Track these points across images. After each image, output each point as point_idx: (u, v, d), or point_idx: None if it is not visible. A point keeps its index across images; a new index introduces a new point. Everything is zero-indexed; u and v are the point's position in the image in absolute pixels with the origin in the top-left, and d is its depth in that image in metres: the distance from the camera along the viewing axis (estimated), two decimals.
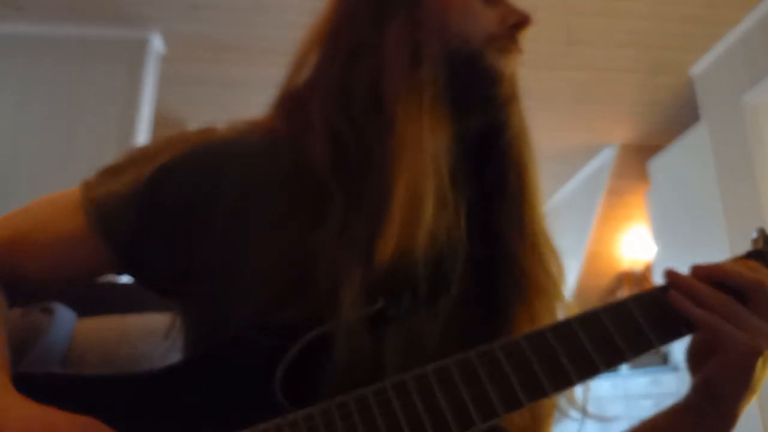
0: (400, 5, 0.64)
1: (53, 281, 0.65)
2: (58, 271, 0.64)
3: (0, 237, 0.62)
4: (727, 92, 3.42)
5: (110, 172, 0.64)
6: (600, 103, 4.06)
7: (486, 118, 0.65)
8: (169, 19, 3.20)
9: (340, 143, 0.60)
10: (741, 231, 3.22)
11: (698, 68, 3.62)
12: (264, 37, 3.30)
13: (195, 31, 3.29)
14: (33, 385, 0.54)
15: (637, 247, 4.87)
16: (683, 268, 0.57)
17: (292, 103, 0.68)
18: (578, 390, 0.59)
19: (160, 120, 3.65)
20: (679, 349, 3.88)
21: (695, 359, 0.56)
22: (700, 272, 0.55)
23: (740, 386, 0.52)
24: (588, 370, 0.51)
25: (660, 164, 4.19)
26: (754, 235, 0.60)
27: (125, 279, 0.67)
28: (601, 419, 0.67)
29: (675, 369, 3.78)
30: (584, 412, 0.60)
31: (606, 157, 4.76)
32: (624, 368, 4.37)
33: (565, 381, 0.50)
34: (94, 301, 0.95)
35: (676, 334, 0.54)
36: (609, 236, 4.97)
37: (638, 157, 4.57)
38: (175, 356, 0.69)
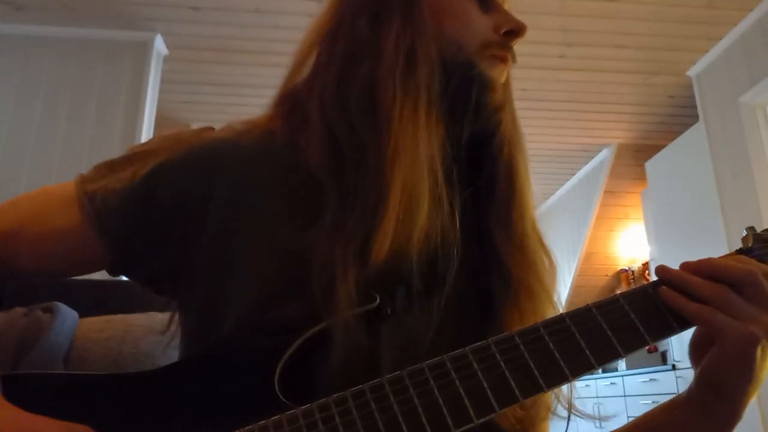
0: (397, 9, 0.65)
1: (44, 273, 0.65)
2: (50, 264, 0.64)
3: None
4: (726, 93, 3.42)
5: (106, 168, 0.65)
6: (598, 104, 4.06)
7: (478, 124, 0.66)
8: (171, 20, 3.20)
9: (336, 142, 0.61)
10: (738, 231, 3.22)
11: (697, 69, 3.63)
12: (264, 38, 3.30)
13: (196, 32, 3.30)
14: (28, 385, 0.53)
15: (634, 246, 4.87)
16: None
17: (291, 102, 0.68)
18: (571, 389, 0.60)
19: (161, 121, 3.66)
20: (677, 348, 3.88)
21: (696, 352, 0.55)
22: (690, 267, 0.55)
23: (741, 377, 0.51)
24: (582, 366, 0.51)
25: (657, 164, 4.20)
26: (744, 233, 0.61)
27: (123, 277, 0.68)
28: (594, 418, 0.67)
29: (673, 368, 3.78)
30: (577, 411, 0.60)
31: (604, 157, 4.77)
32: (622, 367, 4.38)
33: (559, 377, 0.50)
34: (96, 300, 0.96)
35: (669, 330, 0.53)
36: (606, 236, 4.98)
37: (636, 157, 4.58)
38: (175, 355, 0.70)
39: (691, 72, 3.67)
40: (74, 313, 0.84)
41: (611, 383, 4.40)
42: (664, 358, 4.27)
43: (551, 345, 0.51)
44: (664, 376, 3.85)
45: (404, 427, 0.47)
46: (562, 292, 4.99)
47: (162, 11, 3.13)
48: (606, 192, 4.76)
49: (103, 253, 0.63)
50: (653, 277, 0.58)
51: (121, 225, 0.62)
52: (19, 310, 0.79)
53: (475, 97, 0.64)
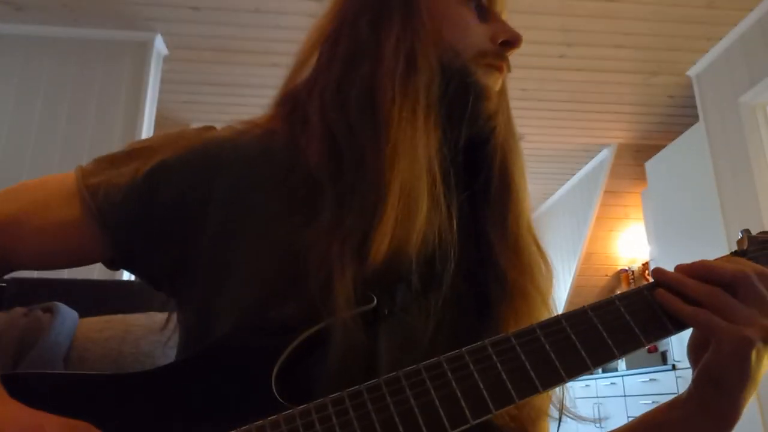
0: (397, 12, 0.66)
1: (43, 265, 0.65)
2: (48, 256, 0.64)
3: None
4: (726, 93, 3.42)
5: (107, 162, 0.65)
6: (598, 104, 4.06)
7: (474, 129, 0.66)
8: (171, 20, 3.20)
9: (335, 143, 0.62)
10: (738, 231, 3.22)
11: (696, 69, 3.63)
12: (264, 38, 3.31)
13: (196, 32, 3.30)
14: (28, 385, 0.53)
15: (634, 246, 4.88)
16: None
17: (292, 102, 0.69)
18: (563, 390, 0.60)
19: (161, 121, 3.66)
20: (677, 348, 3.88)
21: (694, 352, 0.56)
22: (684, 269, 0.56)
23: (738, 376, 0.51)
24: (578, 367, 0.51)
25: (657, 164, 4.20)
26: (739, 235, 0.61)
27: (126, 276, 0.68)
28: (588, 420, 0.68)
29: (673, 368, 3.78)
30: (569, 412, 0.61)
31: (604, 157, 4.77)
32: (622, 367, 4.39)
33: (555, 377, 0.50)
34: (96, 300, 0.96)
35: (664, 332, 0.53)
36: (606, 236, 4.98)
37: (636, 157, 4.59)
38: (175, 355, 0.70)
39: (691, 72, 3.67)
40: (74, 313, 0.84)
41: (611, 383, 4.40)
42: (664, 358, 4.28)
43: (547, 346, 0.52)
44: (664, 376, 3.85)
45: (401, 428, 0.47)
46: (562, 292, 4.99)
47: (162, 11, 3.13)
48: (606, 192, 4.77)
49: (102, 247, 0.63)
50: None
51: (123, 220, 0.62)
52: (19, 310, 0.79)
53: (470, 104, 0.65)
